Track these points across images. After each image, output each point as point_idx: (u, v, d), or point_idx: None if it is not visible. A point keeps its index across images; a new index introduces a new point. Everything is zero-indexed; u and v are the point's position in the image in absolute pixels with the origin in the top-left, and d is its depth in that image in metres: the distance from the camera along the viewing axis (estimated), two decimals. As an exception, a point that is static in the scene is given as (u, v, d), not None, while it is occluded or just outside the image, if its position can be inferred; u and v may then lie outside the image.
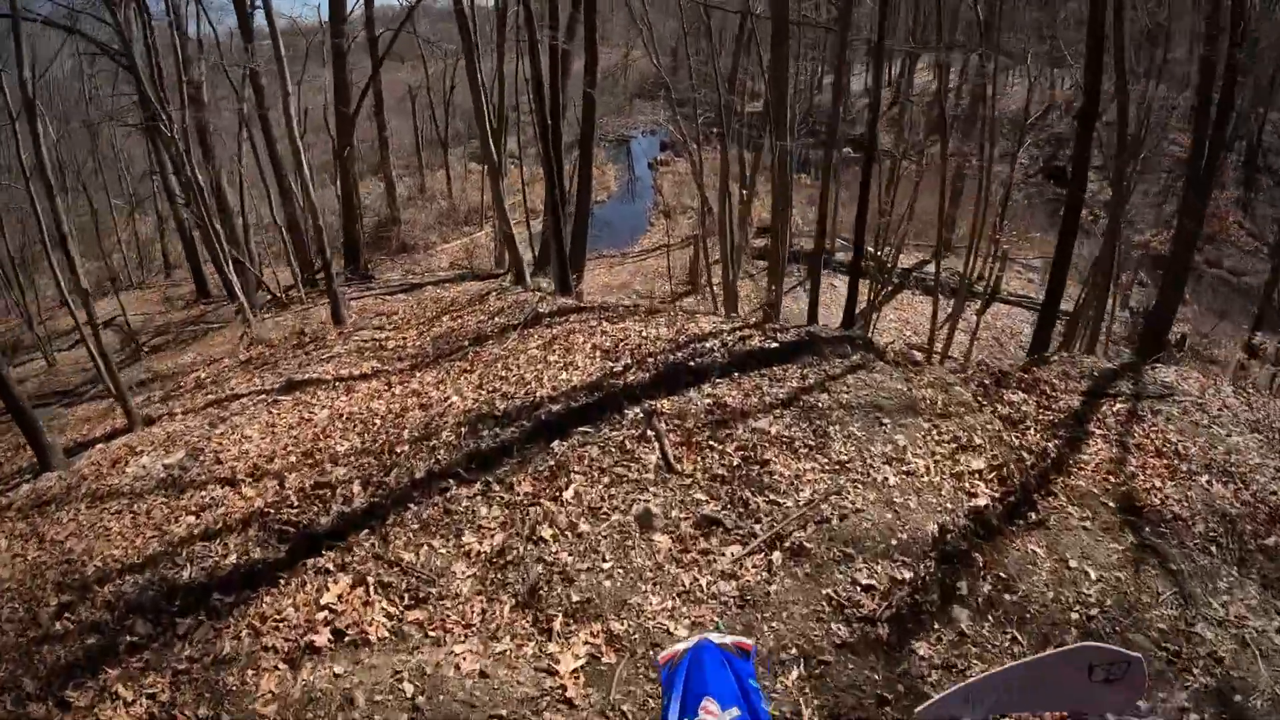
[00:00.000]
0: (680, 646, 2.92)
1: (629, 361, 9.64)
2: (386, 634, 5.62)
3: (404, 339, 13.62)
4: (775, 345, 9.75)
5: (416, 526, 6.83)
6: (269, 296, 21.69)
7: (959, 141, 27.45)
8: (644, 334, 10.84)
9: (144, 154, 28.48)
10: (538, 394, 9.11)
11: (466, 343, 12.24)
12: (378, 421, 9.42)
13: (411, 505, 7.18)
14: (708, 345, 9.84)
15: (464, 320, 14.21)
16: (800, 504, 6.45)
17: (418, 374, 11.14)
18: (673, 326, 10.82)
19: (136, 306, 28.76)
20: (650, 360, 9.55)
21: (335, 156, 22.16)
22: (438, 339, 13.09)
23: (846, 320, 15.44)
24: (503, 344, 11.53)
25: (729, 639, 2.99)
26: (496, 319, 13.46)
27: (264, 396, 10.92)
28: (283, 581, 6.39)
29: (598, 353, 10.25)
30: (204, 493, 8.49)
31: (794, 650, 5.12)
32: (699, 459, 7.21)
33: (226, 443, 9.57)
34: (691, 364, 9.26)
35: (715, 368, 9.08)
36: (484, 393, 9.60)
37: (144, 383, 16.46)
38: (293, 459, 8.86)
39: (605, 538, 6.27)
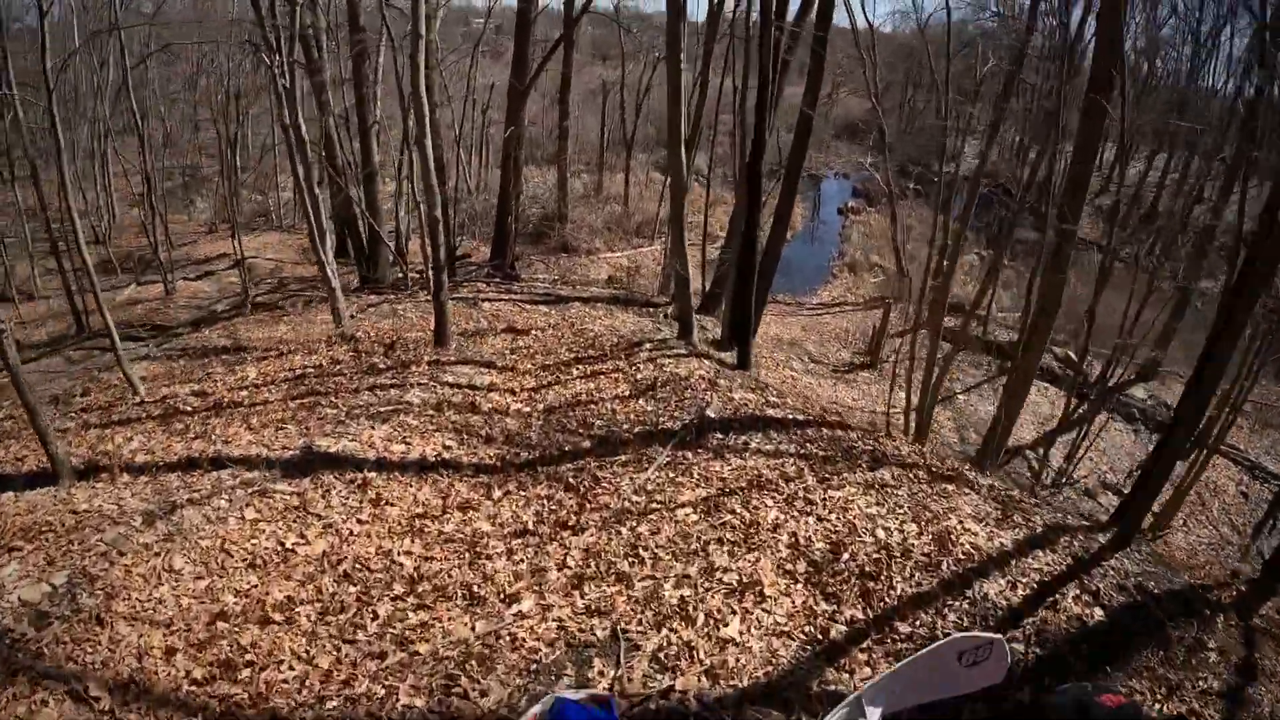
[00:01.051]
0: (534, 711, 2.57)
1: (860, 615, 4.75)
2: None
3: (509, 398, 9.18)
4: (1100, 614, 4.70)
5: None
6: (399, 274, 17.94)
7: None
8: (882, 525, 5.96)
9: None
10: (681, 664, 4.31)
11: (587, 442, 7.62)
12: (379, 615, 4.87)
13: None
14: (988, 589, 4.89)
15: (599, 388, 9.64)
16: None
17: (497, 493, 6.60)
18: (924, 521, 5.93)
19: (276, 251, 26.02)
20: (899, 609, 4.66)
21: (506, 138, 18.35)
22: (553, 415, 8.56)
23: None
24: (642, 472, 6.81)
25: (583, 693, 2.69)
26: (644, 402, 8.81)
27: (255, 478, 6.59)
28: None
29: (802, 562, 5.39)
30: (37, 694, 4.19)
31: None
32: None
33: (136, 576, 5.26)
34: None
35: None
36: (581, 605, 4.92)
37: (205, 353, 12.81)
38: (197, 665, 4.42)
39: None
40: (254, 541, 5.69)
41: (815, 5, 15.44)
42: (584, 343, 12.33)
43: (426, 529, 5.96)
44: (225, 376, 10.37)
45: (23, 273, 21.98)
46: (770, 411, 8.82)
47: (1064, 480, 15.64)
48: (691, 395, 8.95)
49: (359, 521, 6.04)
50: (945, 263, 25.85)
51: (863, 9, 47.30)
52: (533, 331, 13.82)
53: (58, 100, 10.42)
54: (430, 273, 10.85)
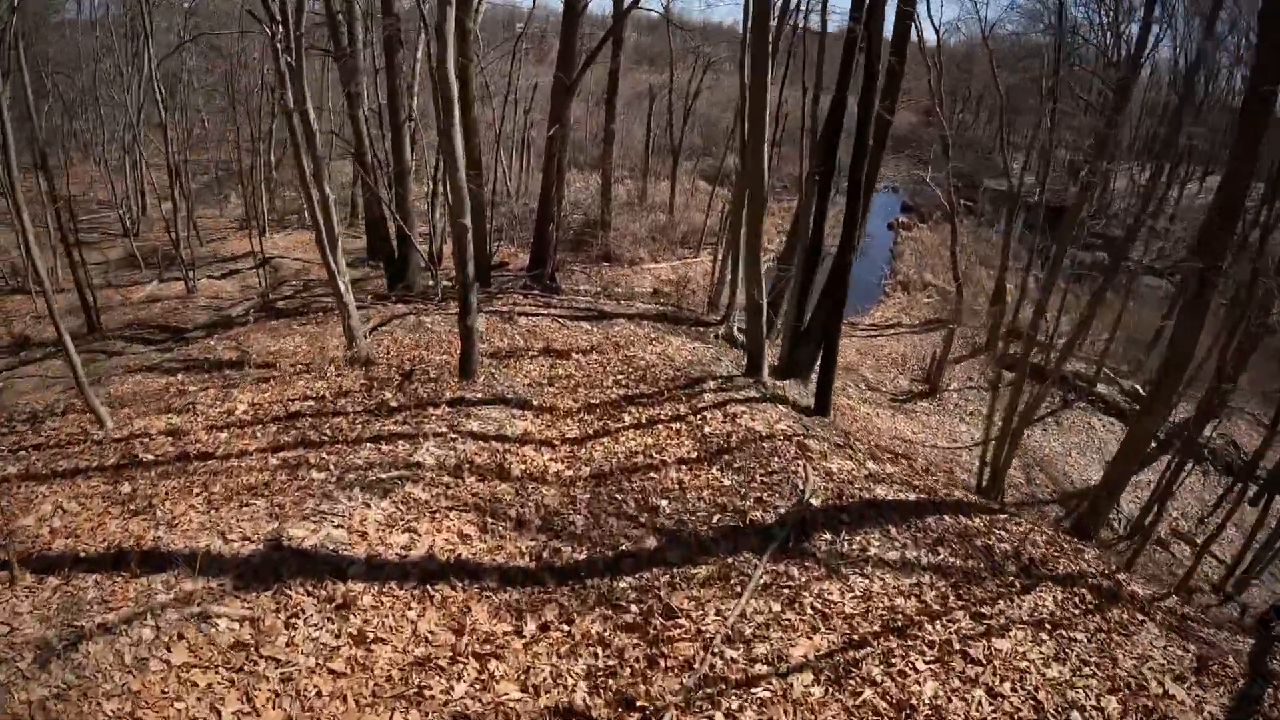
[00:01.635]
0: None
1: None
2: None
3: (546, 455, 7.26)
4: None
5: None
6: (429, 282, 16.10)
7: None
8: (1075, 701, 4.06)
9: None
10: None
11: (652, 539, 5.61)
12: None
13: None
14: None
15: (659, 444, 7.68)
16: None
17: (531, 626, 4.63)
18: (1120, 688, 4.25)
19: (306, 250, 24.35)
20: None
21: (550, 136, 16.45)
22: (604, 486, 6.61)
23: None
24: (732, 597, 4.80)
25: None
26: (720, 472, 6.82)
27: (197, 591, 4.66)
28: None
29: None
30: None
31: None
32: None
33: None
34: None
35: None
36: None
37: (207, 366, 11.02)
38: None
39: None
40: (177, 708, 3.75)
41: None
42: (634, 374, 10.37)
43: (428, 694, 3.98)
44: (211, 407, 8.53)
45: (46, 264, 20.54)
46: (879, 491, 6.75)
47: (1137, 532, 13.44)
48: (780, 465, 6.92)
49: (331, 673, 4.09)
50: (1011, 287, 23.68)
51: (929, 14, 44.76)
52: (574, 355, 11.91)
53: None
54: (458, 289, 8.91)
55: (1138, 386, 20.40)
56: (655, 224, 28.00)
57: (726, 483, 6.61)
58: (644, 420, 8.48)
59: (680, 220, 28.71)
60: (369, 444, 7.08)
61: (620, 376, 10.31)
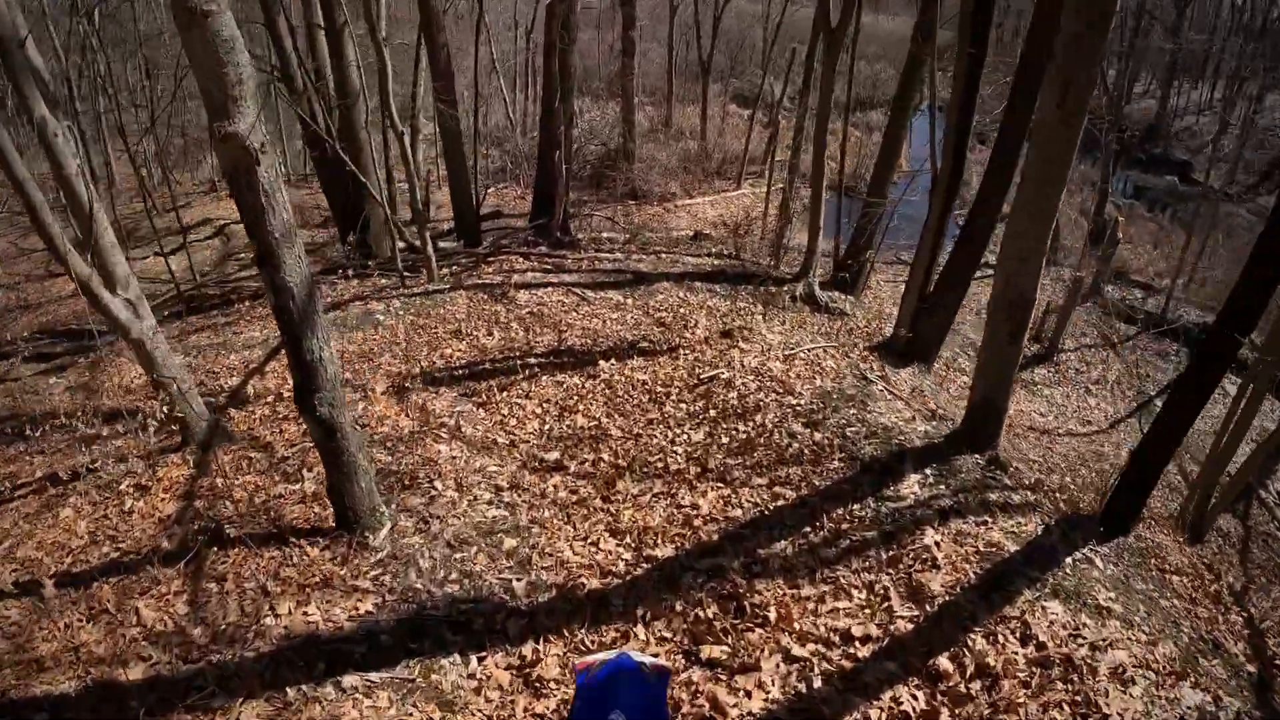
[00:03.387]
0: (599, 657, 2.44)
1: None
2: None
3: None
4: None
5: None
6: (403, 242, 11.32)
7: None
8: None
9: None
10: None
11: None
12: None
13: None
14: None
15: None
16: None
17: None
18: None
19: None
20: None
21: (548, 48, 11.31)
22: None
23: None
24: None
25: (648, 659, 2.46)
26: None
27: None
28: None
29: None
30: None
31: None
32: None
33: None
34: None
35: None
36: None
37: None
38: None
39: None
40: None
41: None
42: (729, 437, 5.74)
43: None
44: None
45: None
46: None
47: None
48: None
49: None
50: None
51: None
52: (600, 363, 7.21)
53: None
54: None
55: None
56: (686, 153, 22.78)
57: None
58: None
59: (715, 149, 23.42)
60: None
61: (699, 440, 5.65)
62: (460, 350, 8.00)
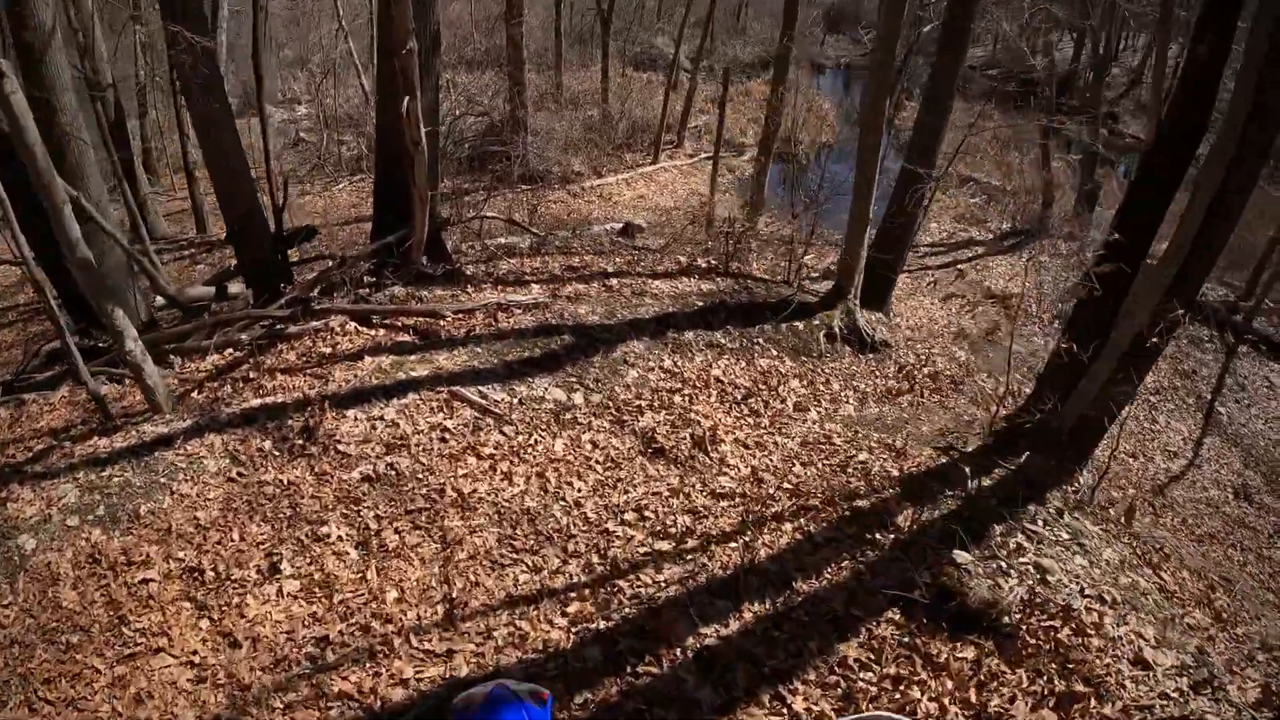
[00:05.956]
0: (477, 690, 2.07)
1: None
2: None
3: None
4: None
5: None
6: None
7: None
8: None
9: None
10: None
11: None
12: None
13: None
14: None
15: None
16: None
17: None
18: None
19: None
20: None
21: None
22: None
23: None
24: None
25: (525, 687, 2.09)
26: None
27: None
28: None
29: None
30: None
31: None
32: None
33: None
34: None
35: None
36: None
37: None
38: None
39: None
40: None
41: None
42: None
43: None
44: None
45: None
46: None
47: None
48: None
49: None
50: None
51: None
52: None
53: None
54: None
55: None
56: (588, 122, 17.47)
57: None
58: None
59: (620, 116, 18.17)
60: None
61: None
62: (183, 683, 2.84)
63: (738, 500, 3.90)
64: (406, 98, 5.33)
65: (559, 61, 19.90)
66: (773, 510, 3.81)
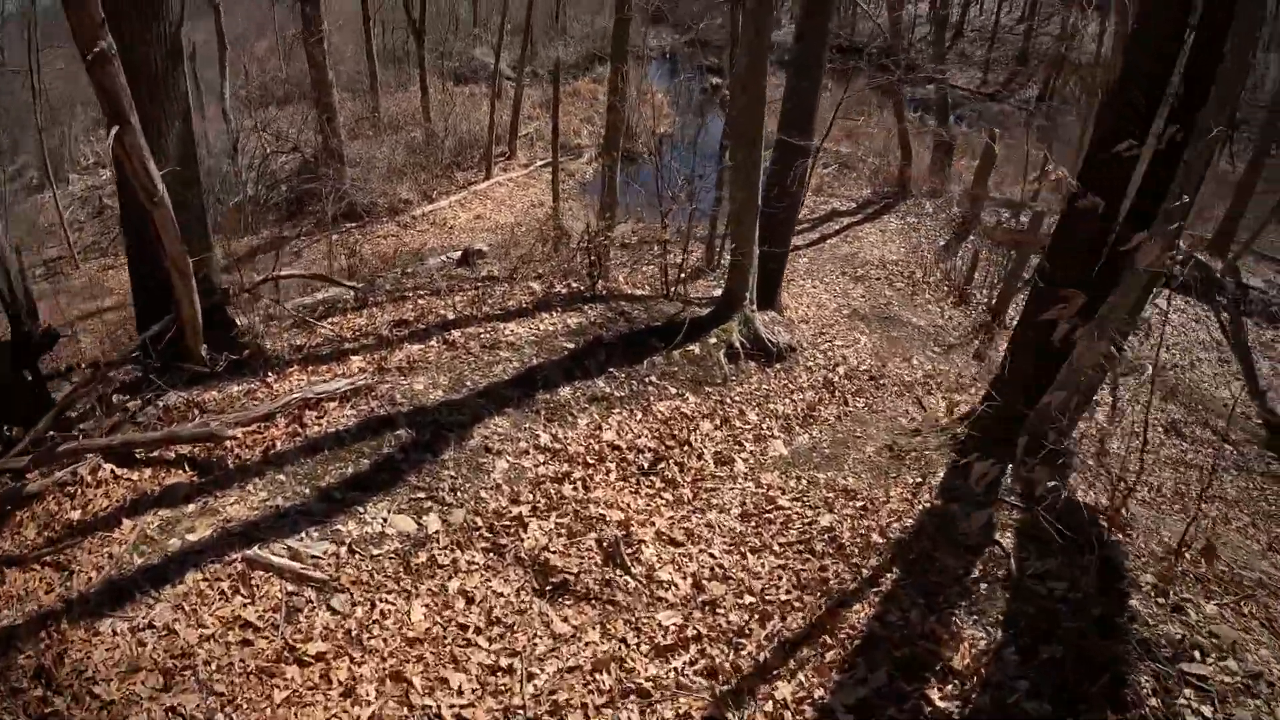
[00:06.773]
0: None
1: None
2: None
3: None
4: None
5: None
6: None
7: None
8: None
9: None
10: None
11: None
12: None
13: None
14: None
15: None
16: None
17: None
18: None
19: None
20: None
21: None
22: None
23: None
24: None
25: None
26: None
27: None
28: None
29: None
30: None
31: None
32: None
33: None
34: None
35: None
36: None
37: None
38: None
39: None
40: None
41: None
42: None
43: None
44: None
45: None
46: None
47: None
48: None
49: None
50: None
51: None
52: None
53: None
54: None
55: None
56: (412, 144, 15.70)
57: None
58: None
59: (445, 134, 16.47)
60: None
61: None
62: None
63: (693, 649, 2.69)
64: (115, 127, 3.70)
65: (374, 84, 17.88)
66: (746, 651, 2.62)
